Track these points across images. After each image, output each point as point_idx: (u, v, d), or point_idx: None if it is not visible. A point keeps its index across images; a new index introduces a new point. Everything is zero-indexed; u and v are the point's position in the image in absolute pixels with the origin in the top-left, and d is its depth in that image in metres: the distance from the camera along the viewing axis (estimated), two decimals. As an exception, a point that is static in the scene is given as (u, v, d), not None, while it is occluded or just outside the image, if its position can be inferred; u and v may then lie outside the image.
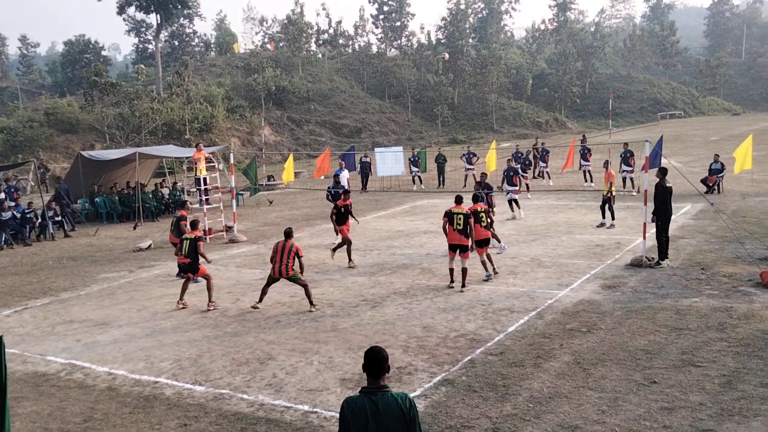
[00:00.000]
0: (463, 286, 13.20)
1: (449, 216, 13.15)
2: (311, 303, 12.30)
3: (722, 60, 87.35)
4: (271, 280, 12.40)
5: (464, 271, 13.22)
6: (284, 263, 12.06)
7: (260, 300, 12.53)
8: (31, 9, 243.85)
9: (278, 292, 13.63)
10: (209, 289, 12.92)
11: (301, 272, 12.36)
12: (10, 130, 43.48)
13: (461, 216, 13.01)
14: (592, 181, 27.58)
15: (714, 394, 7.91)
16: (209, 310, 12.64)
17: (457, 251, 13.12)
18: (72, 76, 69.41)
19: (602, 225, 19.14)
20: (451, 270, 13.48)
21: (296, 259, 12.16)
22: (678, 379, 8.36)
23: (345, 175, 24.93)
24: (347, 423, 4.44)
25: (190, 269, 13.03)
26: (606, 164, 19.44)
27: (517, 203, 21.02)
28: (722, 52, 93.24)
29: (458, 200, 13.47)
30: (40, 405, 8.62)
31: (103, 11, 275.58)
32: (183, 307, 12.87)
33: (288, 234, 12.40)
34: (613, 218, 18.96)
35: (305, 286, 12.31)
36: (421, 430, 4.48)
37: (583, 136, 35.31)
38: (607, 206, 18.90)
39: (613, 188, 18.76)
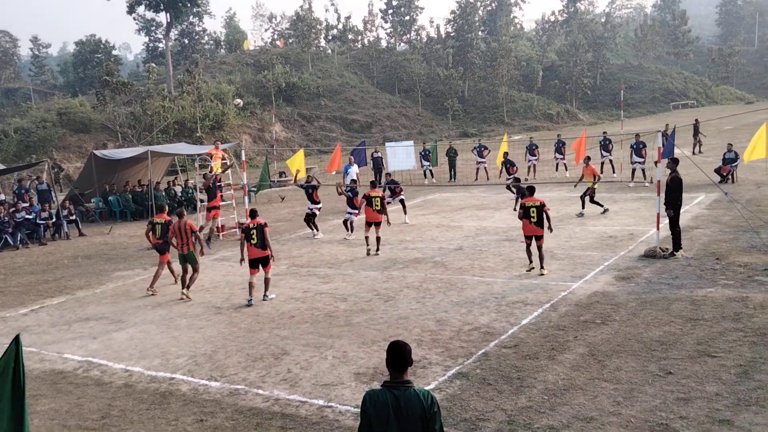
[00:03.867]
0: (378, 250, 16.36)
1: (367, 199, 16.31)
2: (187, 286, 13.47)
3: (735, 48, 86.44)
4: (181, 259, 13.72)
5: (378, 239, 16.50)
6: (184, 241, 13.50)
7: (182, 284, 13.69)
8: (41, 10, 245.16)
9: (291, 287, 13.69)
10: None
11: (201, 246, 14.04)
12: (23, 131, 43.82)
13: (378, 198, 16.34)
14: (614, 172, 27.34)
15: (730, 384, 7.87)
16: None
17: (372, 226, 16.40)
18: (84, 76, 69.78)
19: (581, 215, 19.80)
20: (367, 237, 16.50)
21: (194, 235, 13.58)
22: (694, 370, 8.31)
23: (354, 170, 24.95)
24: (369, 416, 4.42)
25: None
26: (587, 160, 20.49)
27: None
28: (735, 41, 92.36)
29: (373, 185, 17.19)
30: (58, 402, 8.70)
31: (113, 11, 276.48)
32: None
33: (180, 215, 13.83)
34: (602, 205, 19.85)
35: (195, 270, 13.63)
36: (442, 428, 4.43)
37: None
38: (588, 199, 19.79)
39: (596, 182, 19.81)
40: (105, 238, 22.00)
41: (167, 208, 16.01)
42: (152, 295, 13.87)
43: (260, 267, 12.79)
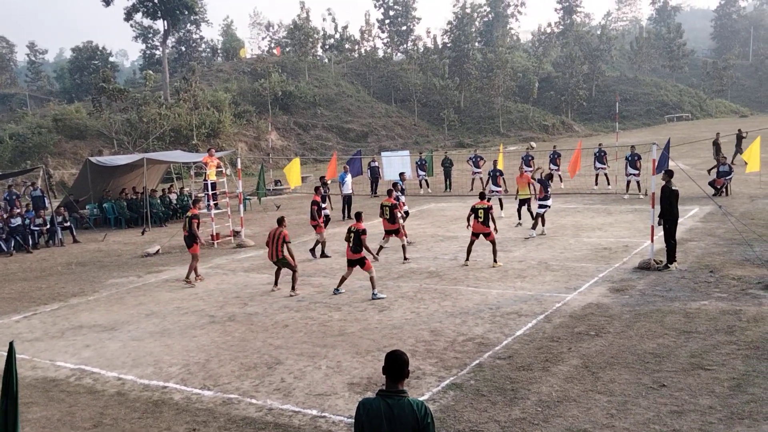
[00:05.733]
0: (405, 258, 16.51)
1: (381, 208, 16.99)
2: (292, 287, 13.85)
3: (729, 62, 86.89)
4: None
5: (403, 247, 16.74)
6: (275, 248, 13.80)
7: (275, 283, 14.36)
8: (38, 16, 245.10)
9: (286, 297, 13.66)
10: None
11: (291, 257, 13.94)
12: (18, 137, 43.76)
13: (387, 208, 16.76)
14: (609, 184, 27.35)
15: (724, 397, 7.88)
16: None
17: (392, 234, 17.04)
18: (80, 83, 69.81)
19: (519, 225, 20.12)
20: (381, 247, 17.03)
21: (284, 245, 13.75)
22: (687, 383, 8.33)
23: (349, 180, 24.97)
24: (362, 424, 4.44)
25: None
26: (521, 170, 20.77)
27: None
28: (729, 54, 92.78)
29: (389, 193, 17.41)
30: (50, 410, 8.66)
31: (110, 18, 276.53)
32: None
33: (280, 222, 14.09)
34: (533, 218, 19.41)
35: (293, 271, 13.90)
36: None
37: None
38: (525, 208, 20.01)
39: (531, 190, 19.83)
40: (99, 245, 21.94)
41: (200, 202, 18.07)
42: (190, 286, 15.09)
43: (358, 266, 13.46)
